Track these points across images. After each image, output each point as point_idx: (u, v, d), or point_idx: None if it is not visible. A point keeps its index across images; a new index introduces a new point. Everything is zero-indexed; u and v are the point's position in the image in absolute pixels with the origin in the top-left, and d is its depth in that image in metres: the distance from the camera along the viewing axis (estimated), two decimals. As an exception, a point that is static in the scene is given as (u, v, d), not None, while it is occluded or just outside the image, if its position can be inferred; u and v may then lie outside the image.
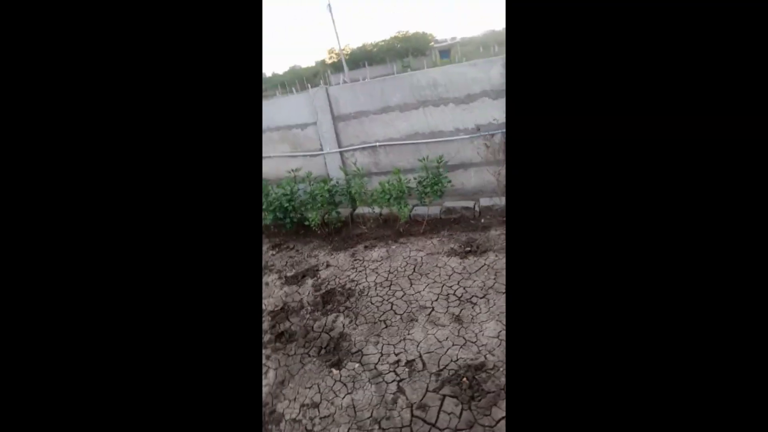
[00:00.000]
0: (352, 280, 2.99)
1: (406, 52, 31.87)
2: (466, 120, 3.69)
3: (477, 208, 3.74)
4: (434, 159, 3.47)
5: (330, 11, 33.51)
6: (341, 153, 4.27)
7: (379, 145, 4.07)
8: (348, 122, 4.11)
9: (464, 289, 2.63)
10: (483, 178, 3.89)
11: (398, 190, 3.52)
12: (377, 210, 3.90)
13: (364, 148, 4.17)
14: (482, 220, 3.67)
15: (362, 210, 4.07)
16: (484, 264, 2.87)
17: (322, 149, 4.33)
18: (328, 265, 3.32)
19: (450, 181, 3.46)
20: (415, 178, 3.58)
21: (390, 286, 2.83)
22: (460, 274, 2.82)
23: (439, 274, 2.85)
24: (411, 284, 2.80)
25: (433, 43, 36.10)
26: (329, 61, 35.55)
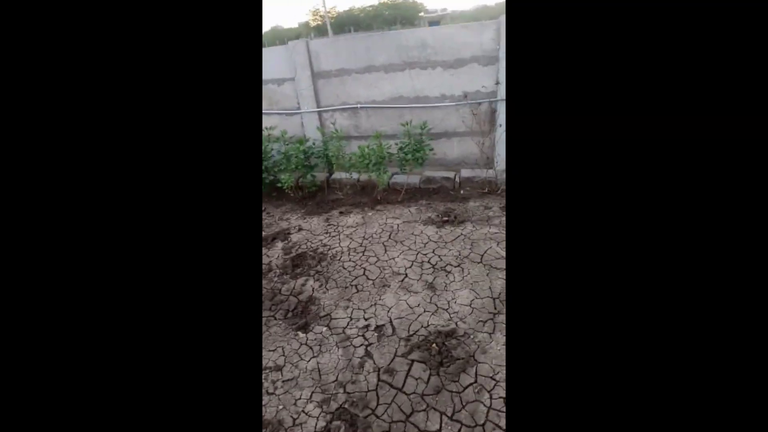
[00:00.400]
0: (325, 245, 2.87)
1: (395, 19, 30.68)
2: (453, 86, 3.53)
3: (458, 179, 3.65)
4: (417, 125, 3.32)
5: (317, -32, 31.36)
6: (320, 113, 4.04)
7: (361, 107, 3.86)
8: (328, 80, 3.86)
9: (439, 257, 2.57)
10: (466, 149, 3.78)
11: (378, 156, 3.37)
12: (355, 176, 3.74)
13: (344, 109, 3.95)
14: (462, 191, 3.59)
15: (339, 175, 3.91)
16: (461, 234, 2.81)
17: (299, 108, 4.07)
18: (300, 229, 3.17)
19: (432, 149, 3.34)
20: (396, 144, 3.43)
21: (364, 251, 2.73)
22: (436, 242, 2.75)
23: (415, 242, 2.77)
24: (385, 251, 2.71)
25: (423, 13, 34.87)
26: (313, 24, 33.77)
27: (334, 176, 3.98)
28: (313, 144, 3.80)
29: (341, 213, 3.38)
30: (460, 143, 3.77)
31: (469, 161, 3.82)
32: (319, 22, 32.62)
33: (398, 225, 3.02)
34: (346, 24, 30.62)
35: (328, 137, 3.72)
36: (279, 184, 3.61)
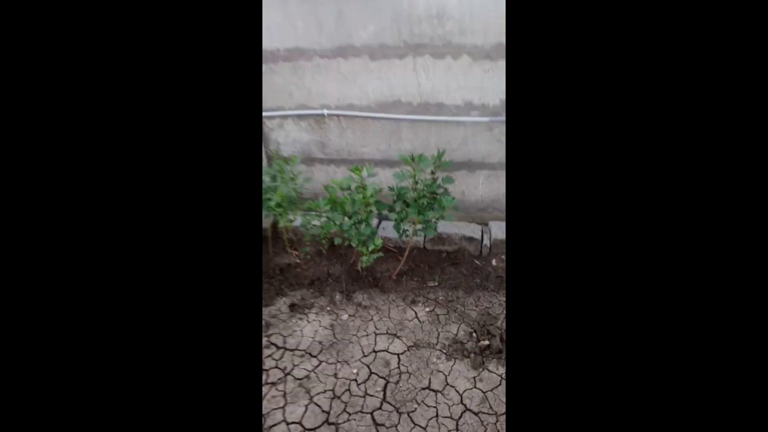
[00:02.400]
0: (254, 417, 1.43)
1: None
2: (487, 89, 2.11)
3: (486, 241, 2.28)
4: (428, 157, 1.88)
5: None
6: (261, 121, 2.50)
7: (329, 114, 2.36)
8: (273, 66, 2.31)
9: (494, 471, 1.22)
10: (498, 189, 2.41)
11: (361, 207, 1.92)
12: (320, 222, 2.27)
13: (302, 116, 2.43)
14: (493, 262, 2.24)
15: (296, 219, 2.41)
16: (521, 387, 1.46)
17: (228, 110, 2.50)
18: (213, 354, 1.70)
19: (454, 200, 1.93)
20: (391, 189, 1.98)
21: (334, 445, 1.32)
22: (476, 413, 1.38)
23: (436, 414, 1.39)
24: (379, 444, 1.32)
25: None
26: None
27: (289, 220, 2.49)
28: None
29: (293, 308, 1.93)
30: (490, 180, 2.38)
31: (501, 207, 2.45)
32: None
33: (399, 357, 1.62)
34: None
35: (276, 162, 2.19)
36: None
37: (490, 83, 2.08)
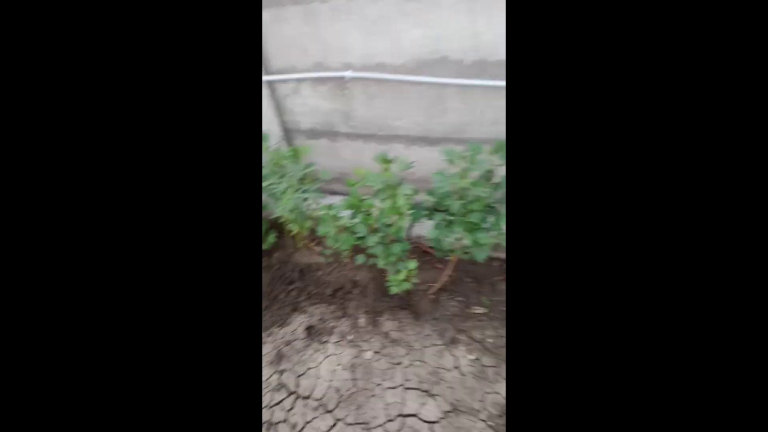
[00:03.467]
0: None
1: None
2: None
3: (556, 251, 1.74)
4: (484, 152, 1.31)
5: None
6: (271, 85, 1.99)
7: (351, 78, 1.78)
8: (280, 11, 1.72)
9: None
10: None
11: (390, 214, 1.45)
12: (345, 213, 1.85)
13: (320, 80, 1.88)
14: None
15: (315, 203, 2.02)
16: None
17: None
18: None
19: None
20: (429, 194, 1.47)
21: None
22: None
23: None
24: None
25: None
26: None
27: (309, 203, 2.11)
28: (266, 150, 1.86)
29: (310, 332, 1.64)
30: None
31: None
32: None
33: (433, 430, 1.28)
34: None
35: (288, 137, 1.74)
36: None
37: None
